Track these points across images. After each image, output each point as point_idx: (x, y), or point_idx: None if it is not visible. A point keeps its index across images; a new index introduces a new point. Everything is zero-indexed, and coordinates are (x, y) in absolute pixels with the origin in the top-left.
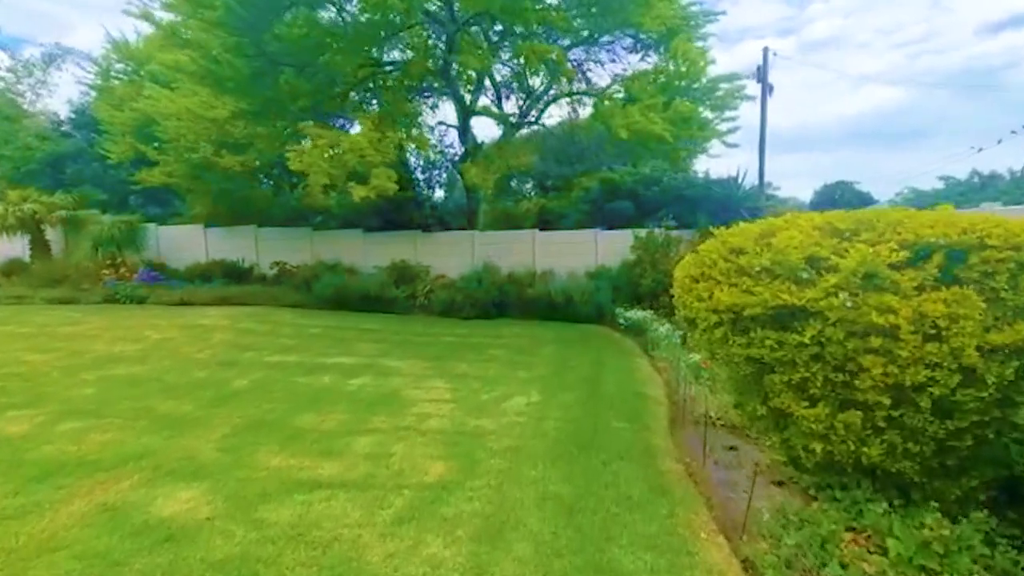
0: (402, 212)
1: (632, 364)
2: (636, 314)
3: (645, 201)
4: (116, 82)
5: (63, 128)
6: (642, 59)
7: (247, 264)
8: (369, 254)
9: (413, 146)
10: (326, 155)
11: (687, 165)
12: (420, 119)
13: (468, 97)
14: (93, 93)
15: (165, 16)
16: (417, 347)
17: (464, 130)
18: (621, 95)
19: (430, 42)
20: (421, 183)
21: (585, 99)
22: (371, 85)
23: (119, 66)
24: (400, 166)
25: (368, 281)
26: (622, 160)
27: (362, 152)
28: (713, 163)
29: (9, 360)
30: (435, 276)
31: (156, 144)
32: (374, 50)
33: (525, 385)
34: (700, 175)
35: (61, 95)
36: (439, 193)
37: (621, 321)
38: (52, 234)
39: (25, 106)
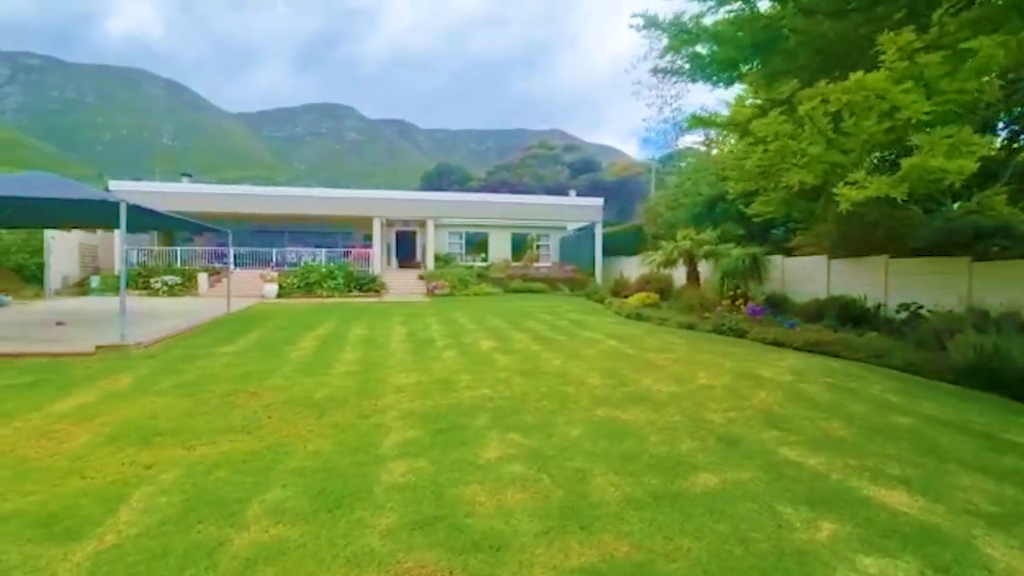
0: None
1: None
2: None
3: None
4: None
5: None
6: None
7: (870, 304)
8: None
9: None
10: (811, 125)
11: None
12: None
13: None
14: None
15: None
16: None
17: None
18: None
19: None
20: None
21: None
22: None
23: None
24: None
25: None
26: None
27: (885, 100)
28: None
29: (573, 379)
30: None
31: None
32: None
33: None
34: None
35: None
36: None
37: None
38: (704, 266)
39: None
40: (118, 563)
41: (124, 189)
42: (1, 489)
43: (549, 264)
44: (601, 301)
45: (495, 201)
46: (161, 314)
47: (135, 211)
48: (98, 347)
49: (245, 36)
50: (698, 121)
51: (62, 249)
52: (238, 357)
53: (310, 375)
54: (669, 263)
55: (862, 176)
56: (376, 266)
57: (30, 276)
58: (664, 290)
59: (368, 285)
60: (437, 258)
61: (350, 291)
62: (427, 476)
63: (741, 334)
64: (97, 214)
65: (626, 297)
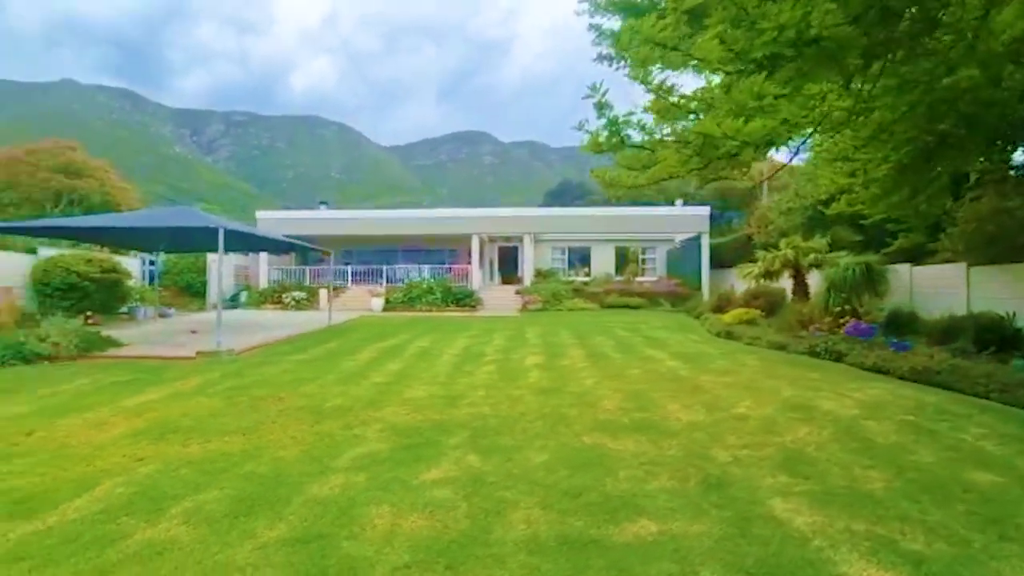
0: None
1: None
2: None
3: None
4: None
5: None
6: None
7: (1022, 322)
8: None
9: None
10: None
11: None
12: None
13: None
14: None
15: None
16: None
17: None
18: None
19: None
20: None
21: None
22: None
23: None
24: None
25: None
26: None
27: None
28: None
29: (588, 401)
30: None
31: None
32: None
33: None
34: None
35: None
36: None
37: None
38: (815, 278)
39: None
40: (37, 543)
41: (266, 217)
42: (25, 466)
43: (654, 278)
44: (698, 317)
45: (594, 214)
46: (272, 325)
47: (235, 235)
48: (198, 352)
49: (397, 77)
50: (666, 106)
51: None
52: (299, 365)
53: (343, 384)
54: (771, 275)
55: (667, 155)
56: (474, 281)
57: (196, 292)
58: (774, 305)
59: (465, 300)
60: (539, 273)
61: (447, 305)
62: (351, 492)
63: (838, 357)
64: (212, 238)
65: (725, 313)
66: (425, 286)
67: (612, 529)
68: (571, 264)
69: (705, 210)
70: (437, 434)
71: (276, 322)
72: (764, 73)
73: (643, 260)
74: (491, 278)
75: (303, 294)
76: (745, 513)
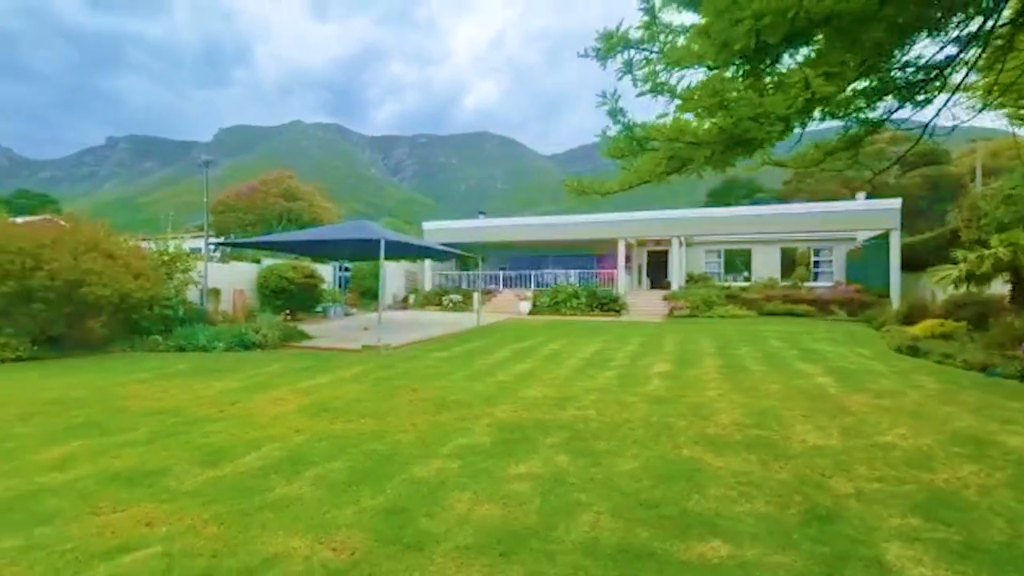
0: None
1: None
2: None
3: None
4: None
5: None
6: None
7: None
8: None
9: None
10: None
11: None
12: None
13: None
14: None
15: None
16: None
17: None
18: None
19: None
20: None
21: None
22: None
23: None
24: None
25: None
26: None
27: None
28: None
29: (702, 414)
30: None
31: None
32: None
33: None
34: None
35: None
36: None
37: None
38: None
39: None
40: (212, 486)
41: (432, 228)
42: (222, 428)
43: (829, 283)
44: (880, 328)
45: (756, 214)
46: (429, 324)
47: (395, 244)
48: (363, 347)
49: (558, 89)
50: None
51: (393, 274)
52: (439, 361)
53: (469, 381)
54: (976, 280)
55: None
56: (620, 286)
57: (374, 295)
58: (987, 316)
59: (609, 305)
60: (692, 278)
61: (592, 310)
62: (444, 476)
63: None
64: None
65: (910, 324)
66: (570, 290)
67: (677, 545)
68: (728, 268)
69: (895, 203)
70: (537, 432)
71: (433, 322)
72: (735, 66)
73: (814, 263)
74: (639, 283)
75: (459, 297)
76: (845, 552)
